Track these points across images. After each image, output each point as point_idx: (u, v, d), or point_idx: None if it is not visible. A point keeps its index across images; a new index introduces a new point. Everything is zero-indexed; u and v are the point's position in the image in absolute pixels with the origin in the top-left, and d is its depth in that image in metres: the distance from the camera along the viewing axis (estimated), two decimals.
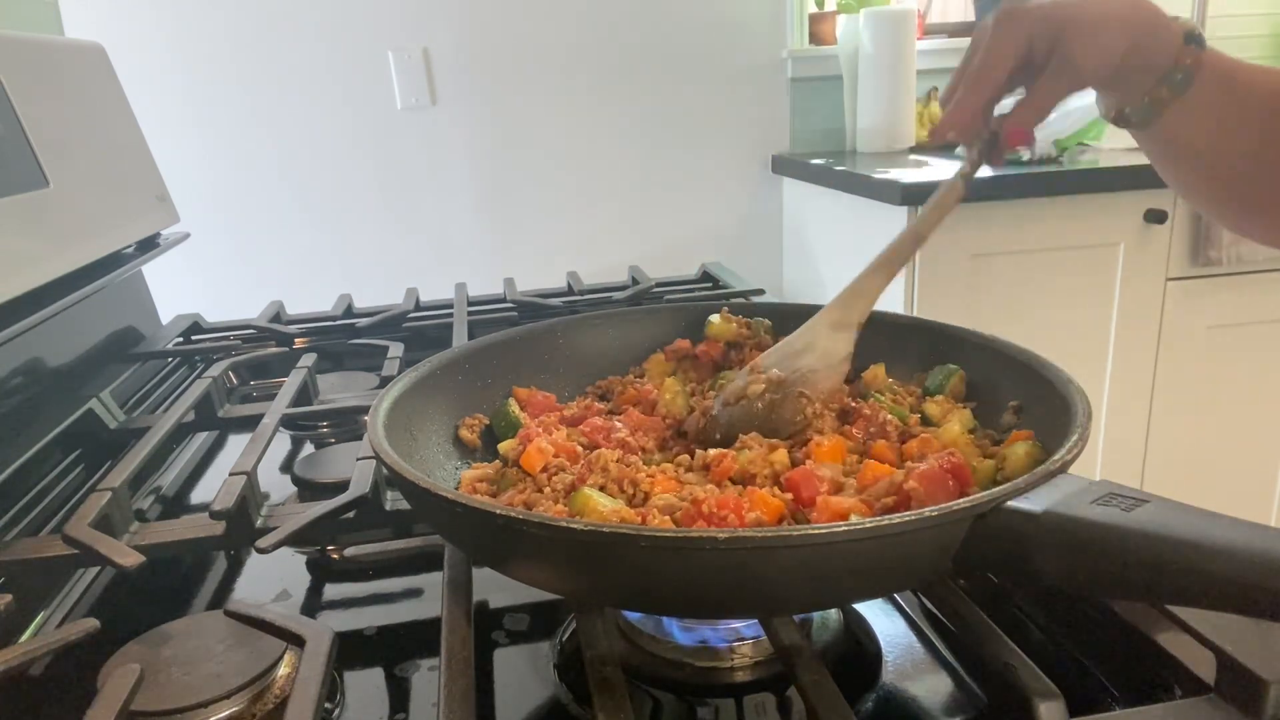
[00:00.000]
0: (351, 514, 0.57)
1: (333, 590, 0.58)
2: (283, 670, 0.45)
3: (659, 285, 1.16)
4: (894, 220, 1.56)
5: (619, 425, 0.56)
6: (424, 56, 1.91)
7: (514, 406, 0.60)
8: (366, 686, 0.48)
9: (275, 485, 0.72)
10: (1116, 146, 1.74)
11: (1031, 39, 0.55)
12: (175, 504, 0.73)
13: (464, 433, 0.59)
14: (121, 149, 0.99)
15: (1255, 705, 0.37)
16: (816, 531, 0.35)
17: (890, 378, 0.61)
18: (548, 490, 0.50)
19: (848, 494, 0.46)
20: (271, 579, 0.59)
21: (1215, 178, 0.63)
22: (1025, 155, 1.63)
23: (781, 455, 0.50)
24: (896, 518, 0.36)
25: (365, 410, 0.58)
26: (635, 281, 1.17)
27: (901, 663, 0.47)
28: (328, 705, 0.46)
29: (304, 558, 0.62)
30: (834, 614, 0.51)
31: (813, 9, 2.05)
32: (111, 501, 0.58)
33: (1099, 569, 0.34)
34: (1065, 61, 0.55)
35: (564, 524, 0.37)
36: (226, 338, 1.07)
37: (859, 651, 0.49)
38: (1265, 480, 1.80)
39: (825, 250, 1.95)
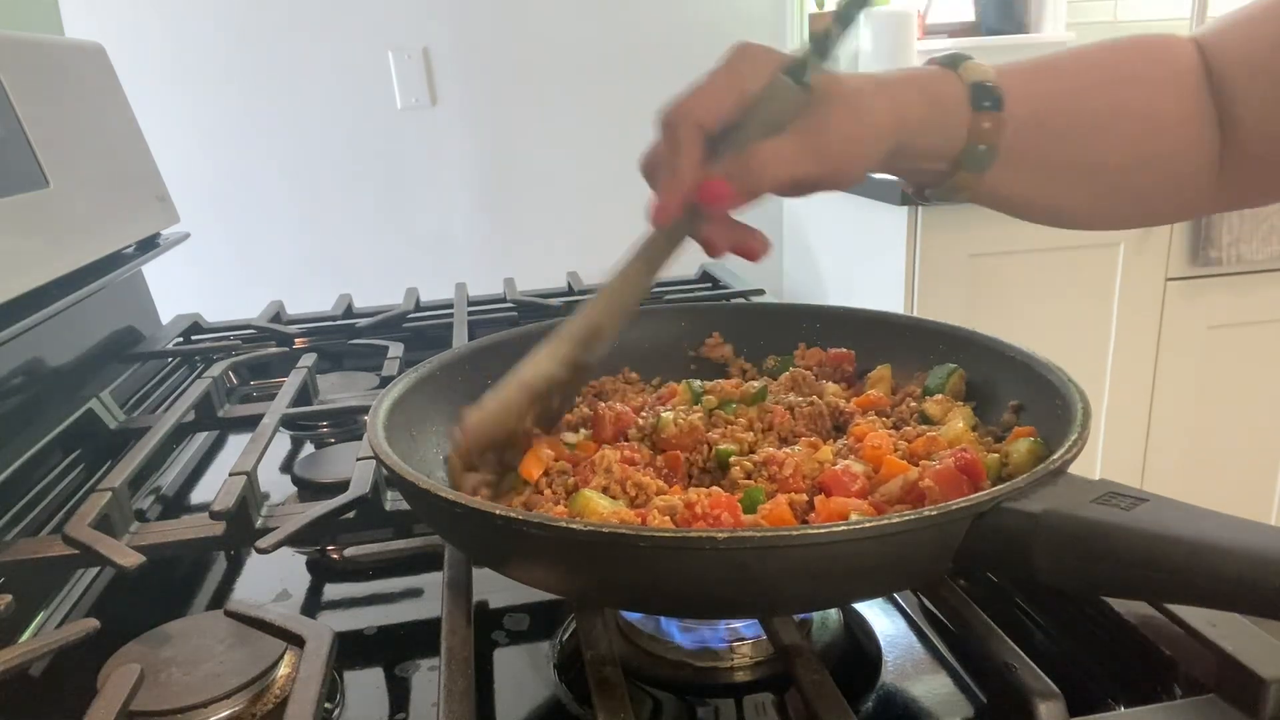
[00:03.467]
0: (351, 514, 0.57)
1: (333, 590, 0.58)
2: (283, 670, 0.45)
3: (659, 285, 1.16)
4: (894, 220, 1.56)
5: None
6: (424, 56, 1.91)
7: None
8: (366, 686, 0.48)
9: (275, 485, 0.72)
10: None
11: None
12: (175, 504, 0.73)
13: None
14: (121, 149, 0.99)
15: (1255, 705, 0.37)
16: (816, 531, 0.35)
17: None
18: (548, 493, 0.50)
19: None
20: (271, 579, 0.59)
21: (1058, 212, 0.55)
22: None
23: (826, 453, 0.50)
24: (896, 517, 0.36)
25: (365, 410, 0.58)
26: None
27: (901, 663, 0.47)
28: (328, 705, 0.46)
29: (304, 558, 0.62)
30: (834, 614, 0.51)
31: (813, 9, 2.05)
32: (111, 501, 0.58)
33: (1099, 569, 0.34)
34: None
35: (564, 524, 0.37)
36: (226, 338, 1.07)
37: (859, 651, 0.49)
38: (1265, 480, 1.80)
39: (825, 250, 1.95)
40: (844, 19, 0.44)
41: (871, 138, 0.45)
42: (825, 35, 0.45)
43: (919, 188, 0.52)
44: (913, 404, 0.58)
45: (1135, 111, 0.50)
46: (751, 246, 0.48)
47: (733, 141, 0.45)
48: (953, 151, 0.47)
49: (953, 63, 0.48)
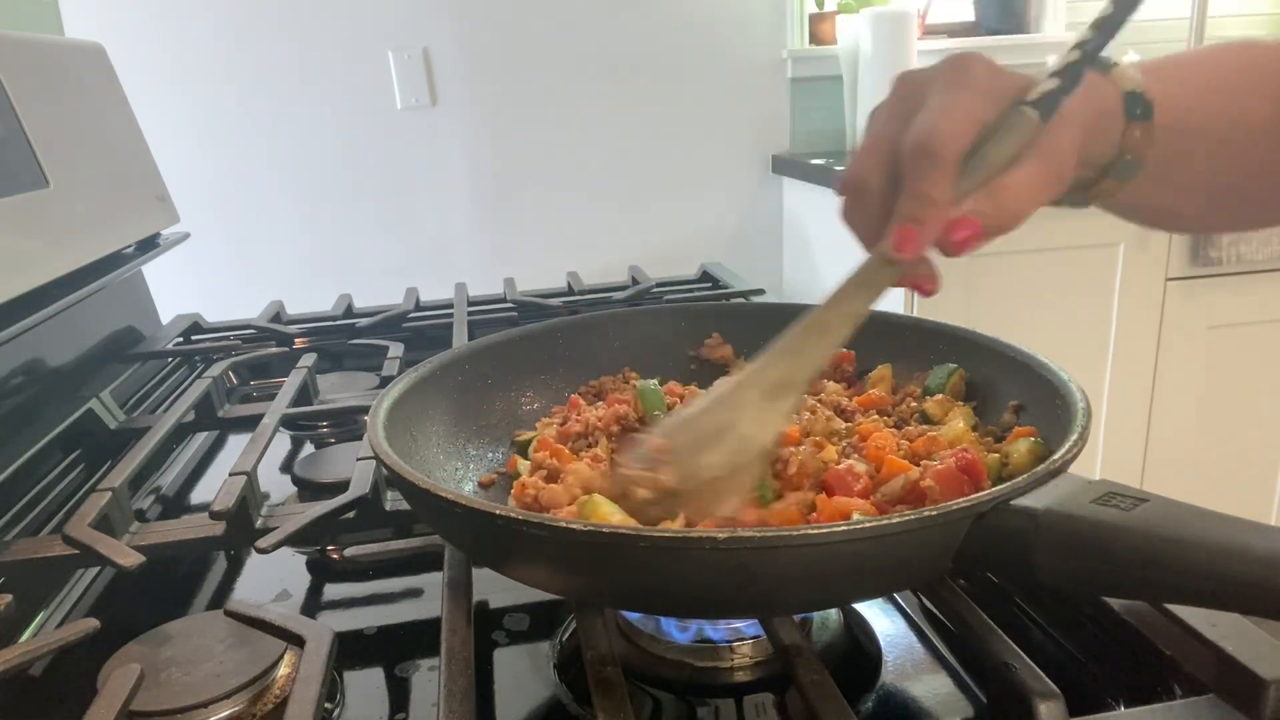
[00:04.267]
0: (351, 514, 0.57)
1: (333, 590, 0.58)
2: (283, 670, 0.45)
3: (659, 285, 1.16)
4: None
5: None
6: (424, 56, 1.91)
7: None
8: (366, 686, 0.48)
9: (275, 485, 0.72)
10: None
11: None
12: (175, 504, 0.73)
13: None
14: (121, 149, 0.99)
15: (1255, 705, 0.37)
16: (816, 531, 0.35)
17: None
18: (534, 478, 0.50)
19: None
20: (271, 579, 0.59)
21: (1192, 218, 0.53)
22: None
23: (831, 453, 0.50)
24: (896, 517, 0.36)
25: (365, 410, 0.58)
26: (635, 281, 1.16)
27: (901, 663, 0.47)
28: (328, 705, 0.45)
29: (304, 558, 0.62)
30: (834, 614, 0.51)
31: (813, 9, 2.05)
32: (111, 501, 0.58)
33: (1099, 568, 0.34)
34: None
35: (563, 524, 0.37)
36: (226, 338, 1.07)
37: (859, 651, 0.49)
38: (1265, 480, 1.80)
39: (825, 250, 1.95)
40: (1110, 26, 0.42)
41: (1090, 121, 0.43)
42: (1078, 62, 0.41)
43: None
44: (913, 404, 0.58)
45: (1253, 123, 0.48)
46: (930, 282, 0.45)
47: (970, 173, 0.40)
48: (1103, 159, 0.45)
49: (1104, 67, 0.45)
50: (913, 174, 0.40)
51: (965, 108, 0.40)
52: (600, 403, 0.63)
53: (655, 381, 0.61)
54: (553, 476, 0.52)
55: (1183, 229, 0.55)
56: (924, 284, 0.44)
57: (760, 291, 1.09)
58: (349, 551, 0.62)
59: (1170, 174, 0.48)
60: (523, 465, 0.56)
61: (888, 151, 0.42)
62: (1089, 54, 0.41)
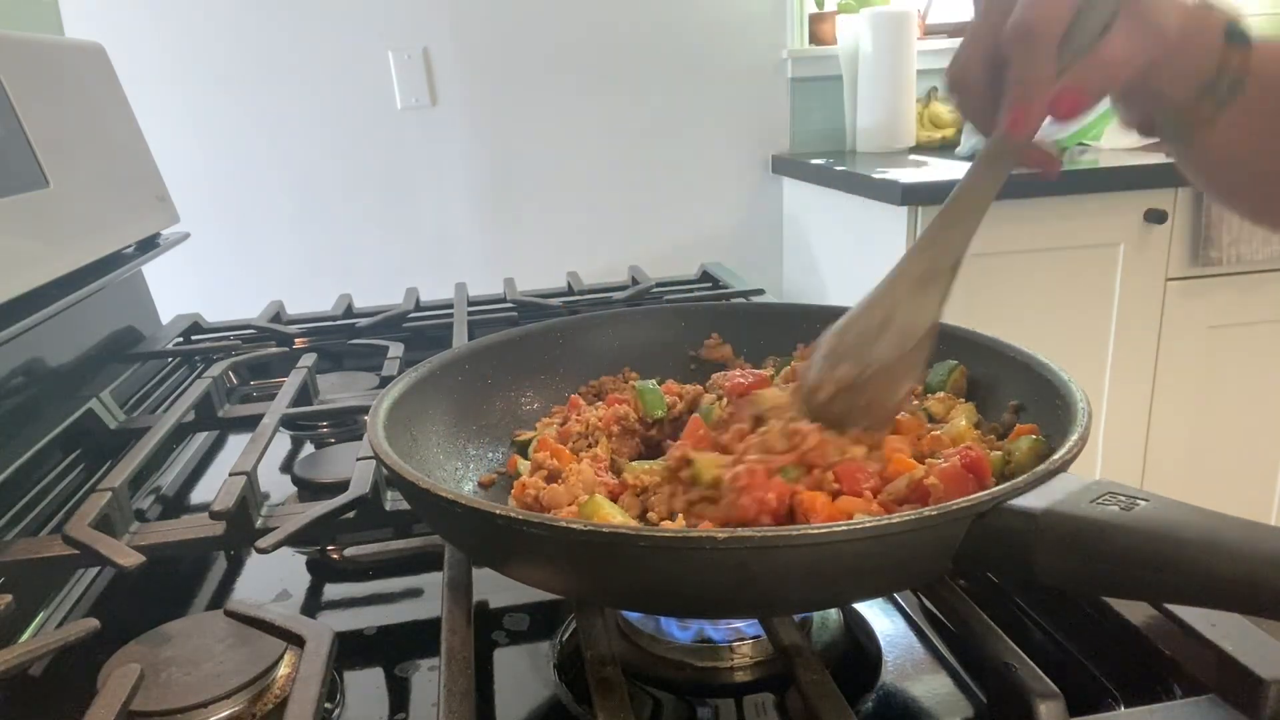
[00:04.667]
0: (351, 514, 0.57)
1: (333, 590, 0.58)
2: (283, 670, 0.45)
3: (659, 285, 1.16)
4: (894, 220, 1.56)
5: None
6: (424, 56, 1.91)
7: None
8: (366, 686, 0.48)
9: (275, 485, 0.72)
10: (1117, 146, 1.74)
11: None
12: (175, 504, 0.73)
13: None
14: (121, 149, 0.99)
15: (1255, 705, 0.37)
16: (816, 531, 0.35)
17: None
18: (534, 478, 0.50)
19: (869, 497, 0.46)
20: (271, 579, 0.59)
21: (1261, 184, 0.54)
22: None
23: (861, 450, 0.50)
24: (896, 517, 0.36)
25: (365, 410, 0.58)
26: (635, 281, 1.17)
27: (901, 663, 0.47)
28: (328, 705, 0.46)
29: (304, 558, 0.62)
30: (834, 614, 0.51)
31: (813, 9, 2.05)
32: (111, 501, 0.58)
33: (1099, 568, 0.34)
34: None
35: (563, 524, 0.37)
36: (226, 338, 1.07)
37: (859, 651, 0.49)
38: (1265, 480, 1.80)
39: (825, 250, 1.95)
40: None
41: (1187, 31, 0.46)
42: None
43: (1144, 119, 0.52)
44: (915, 402, 0.58)
45: None
46: (1054, 163, 0.48)
47: (1068, 50, 0.44)
48: (1204, 77, 0.47)
49: (1206, 5, 0.48)
50: (1017, 58, 0.44)
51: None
52: (600, 403, 0.63)
53: (654, 381, 0.61)
54: (553, 477, 0.52)
55: (1250, 195, 0.56)
56: (1048, 165, 0.48)
57: (760, 291, 1.09)
58: (349, 551, 0.62)
59: (1262, 122, 0.49)
60: (523, 465, 0.56)
61: (988, 43, 0.45)
62: None
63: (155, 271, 1.08)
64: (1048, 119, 0.45)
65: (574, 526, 0.37)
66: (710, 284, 1.18)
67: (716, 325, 0.69)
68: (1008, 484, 0.37)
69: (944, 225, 0.48)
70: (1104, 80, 0.44)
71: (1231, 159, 0.52)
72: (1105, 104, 0.48)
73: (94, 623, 0.45)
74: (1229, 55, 0.47)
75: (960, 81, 0.47)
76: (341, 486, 0.59)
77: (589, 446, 0.56)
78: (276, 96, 1.89)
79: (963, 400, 0.56)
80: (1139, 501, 0.35)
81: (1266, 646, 0.38)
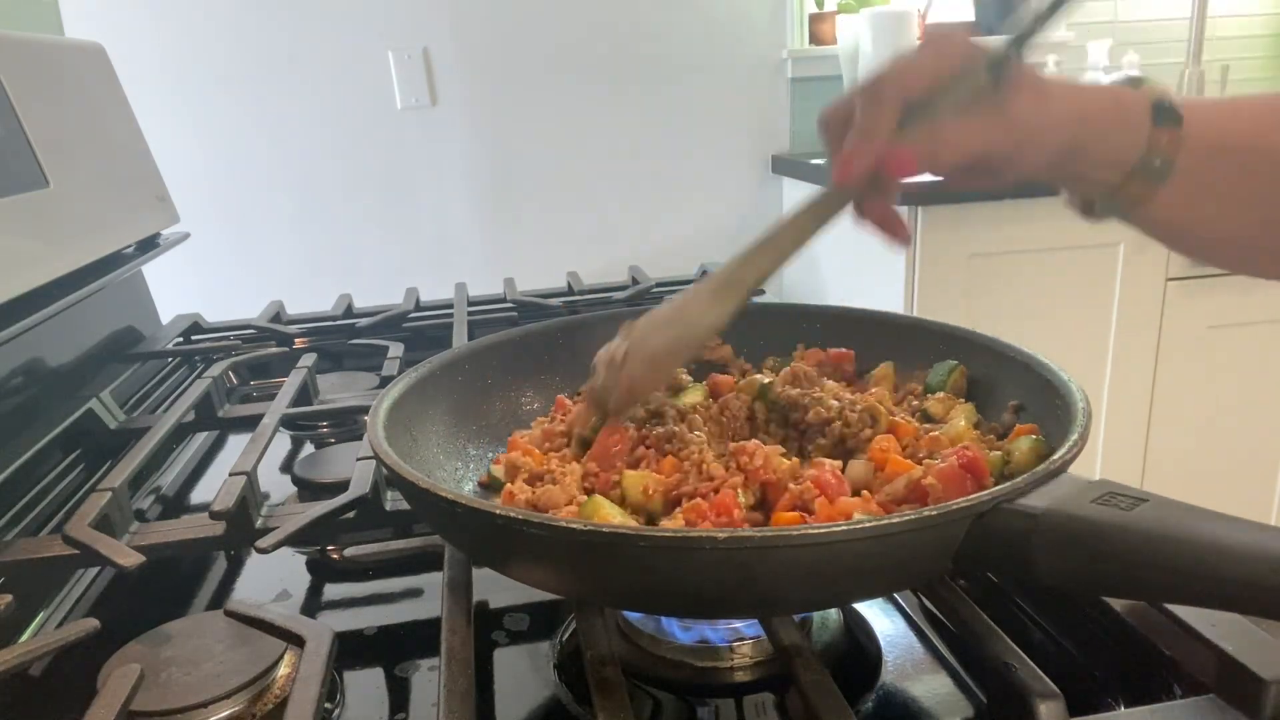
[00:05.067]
0: (351, 514, 0.57)
1: (333, 590, 0.58)
2: (283, 670, 0.45)
3: (659, 285, 1.16)
4: None
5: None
6: (424, 56, 1.91)
7: None
8: (366, 686, 0.48)
9: (275, 485, 0.72)
10: None
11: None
12: (175, 504, 0.73)
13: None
14: (121, 149, 0.99)
15: (1255, 705, 0.37)
16: (816, 531, 0.35)
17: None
18: (515, 485, 0.50)
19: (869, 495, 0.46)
20: (271, 579, 0.59)
21: (1224, 246, 0.53)
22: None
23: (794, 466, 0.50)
24: (896, 517, 0.36)
25: (365, 410, 0.58)
26: (635, 281, 1.16)
27: (901, 663, 0.47)
28: (328, 705, 0.45)
29: (304, 558, 0.62)
30: (834, 614, 0.51)
31: (813, 9, 2.05)
32: (111, 501, 0.58)
33: (1099, 568, 0.34)
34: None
35: (563, 524, 0.37)
36: (226, 338, 1.07)
37: (859, 651, 0.49)
38: (1265, 480, 1.80)
39: (825, 250, 1.95)
40: (1053, 6, 0.46)
41: (1053, 123, 0.47)
42: (1027, 31, 0.47)
43: (1087, 203, 0.53)
44: (914, 402, 0.58)
45: None
46: (898, 229, 0.51)
47: (920, 118, 0.46)
48: (1128, 162, 0.48)
49: (1134, 83, 0.49)
50: (860, 110, 0.47)
51: (920, 62, 0.46)
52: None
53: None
54: (535, 478, 0.52)
55: (1236, 265, 0.55)
56: (894, 231, 0.50)
57: (760, 291, 1.09)
58: (349, 551, 0.61)
59: (1203, 192, 0.49)
60: (497, 471, 0.55)
61: (858, 88, 0.48)
62: (1040, 16, 0.46)
63: (155, 271, 1.08)
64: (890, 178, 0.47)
65: (574, 526, 0.37)
66: None
67: None
68: (1008, 484, 0.38)
69: (760, 248, 0.51)
70: (935, 152, 0.46)
71: (1184, 228, 0.52)
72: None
73: (94, 623, 0.45)
74: (1157, 136, 0.47)
75: (825, 123, 0.50)
76: (341, 486, 0.59)
77: (567, 445, 0.56)
78: (277, 96, 1.89)
79: (962, 400, 0.56)
80: (1139, 501, 0.35)
81: (1266, 646, 0.38)
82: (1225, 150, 0.49)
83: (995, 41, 0.47)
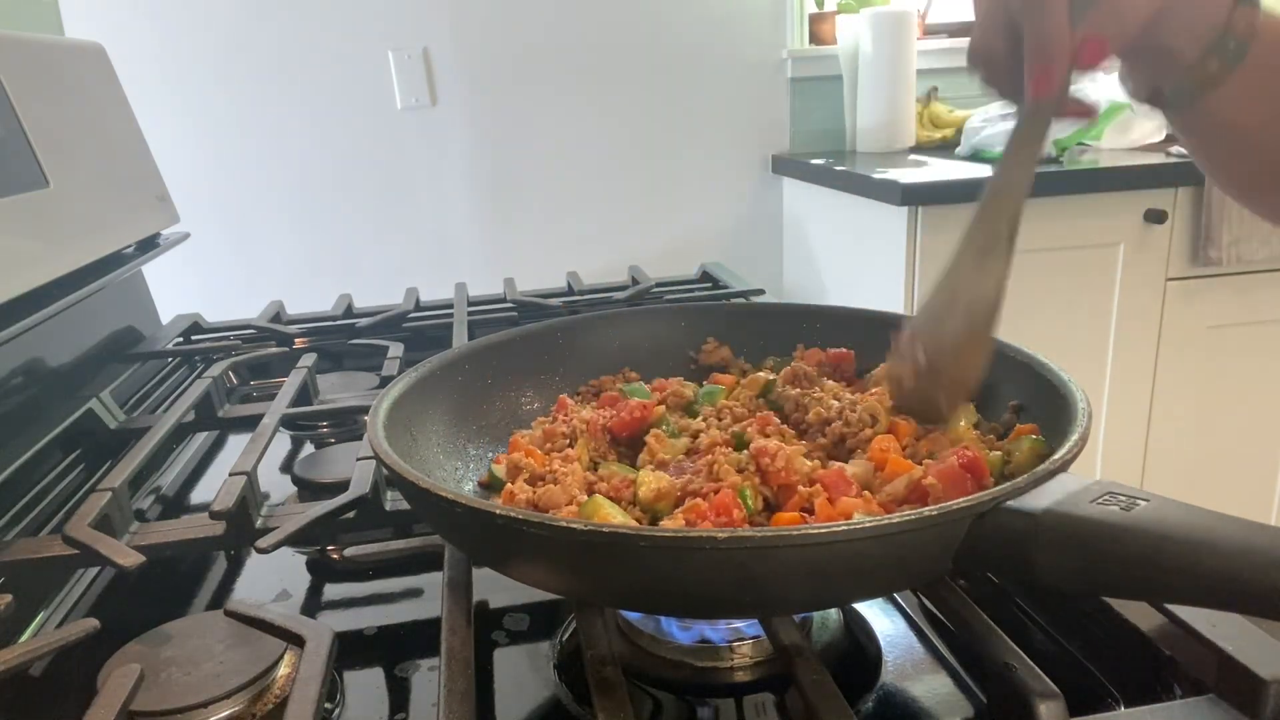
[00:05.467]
0: (351, 514, 0.57)
1: (333, 590, 0.58)
2: (283, 670, 0.45)
3: (659, 285, 1.16)
4: (894, 220, 1.56)
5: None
6: (424, 56, 1.91)
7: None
8: (366, 686, 0.48)
9: (275, 485, 0.72)
10: (1116, 146, 1.74)
11: None
12: (175, 504, 0.73)
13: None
14: (121, 149, 0.99)
15: (1255, 705, 0.37)
16: (816, 531, 0.35)
17: None
18: (515, 485, 0.50)
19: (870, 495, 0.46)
20: (271, 579, 0.59)
21: (1266, 162, 0.54)
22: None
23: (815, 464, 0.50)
24: (896, 517, 0.36)
25: (365, 410, 0.58)
26: (635, 281, 1.17)
27: (901, 663, 0.47)
28: (328, 705, 0.45)
29: (304, 558, 0.62)
30: (834, 614, 0.51)
31: (813, 9, 2.05)
32: (111, 501, 0.58)
33: (1099, 568, 0.34)
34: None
35: (563, 524, 0.37)
36: (226, 338, 1.07)
37: (859, 651, 0.49)
38: (1265, 480, 1.80)
39: (825, 250, 1.95)
40: None
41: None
42: None
43: (1155, 89, 0.52)
44: None
45: None
46: (1089, 107, 0.49)
47: (1076, 3, 0.45)
48: (1207, 38, 0.48)
49: None
50: (1030, 21, 0.45)
51: None
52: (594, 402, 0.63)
53: (642, 384, 0.62)
54: (535, 478, 0.52)
55: (1262, 178, 0.55)
56: (1085, 114, 0.49)
57: (760, 291, 1.09)
58: (349, 551, 0.61)
59: (1268, 91, 0.49)
60: (498, 470, 0.55)
61: (1000, 15, 0.46)
62: None
63: (155, 271, 1.08)
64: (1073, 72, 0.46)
65: (575, 526, 0.37)
66: (710, 284, 1.18)
67: (716, 325, 0.69)
68: (1008, 484, 0.37)
69: (994, 194, 0.49)
70: (1119, 25, 0.45)
71: (1231, 126, 0.52)
72: (1106, 100, 0.49)
73: (94, 623, 0.45)
74: (1236, 15, 0.47)
75: (981, 56, 0.48)
76: (341, 486, 0.59)
77: (569, 445, 0.56)
78: (277, 96, 1.89)
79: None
80: (1139, 501, 0.35)
81: (1266, 646, 0.38)
82: None
83: None
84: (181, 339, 1.07)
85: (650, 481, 0.48)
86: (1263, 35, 0.47)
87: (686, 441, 0.54)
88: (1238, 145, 0.54)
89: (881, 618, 0.51)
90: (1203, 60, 0.48)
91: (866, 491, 0.46)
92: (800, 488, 0.47)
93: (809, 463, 0.49)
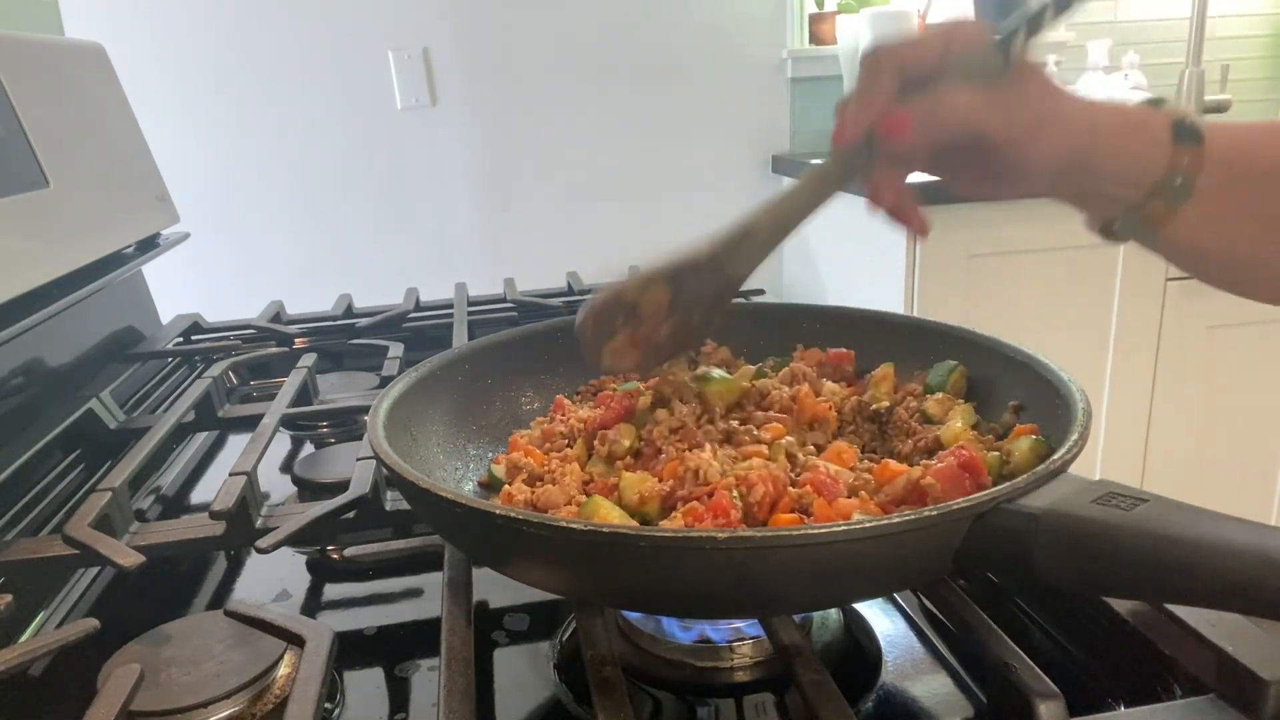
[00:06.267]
0: (351, 514, 0.57)
1: (333, 590, 0.58)
2: (283, 670, 0.45)
3: None
4: None
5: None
6: (424, 56, 1.91)
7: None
8: (366, 686, 0.48)
9: (275, 485, 0.72)
10: None
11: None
12: (175, 504, 0.73)
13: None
14: (121, 149, 0.99)
15: (1255, 705, 0.37)
16: (816, 531, 0.35)
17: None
18: (515, 485, 0.50)
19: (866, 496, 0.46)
20: (271, 579, 0.59)
21: (1237, 268, 0.52)
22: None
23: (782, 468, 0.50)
24: (896, 517, 0.36)
25: (365, 410, 0.58)
26: None
27: (901, 663, 0.47)
28: (328, 705, 0.46)
29: (304, 558, 0.62)
30: (834, 614, 0.51)
31: (813, 9, 2.05)
32: (111, 501, 0.58)
33: (1099, 568, 0.34)
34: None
35: (563, 524, 0.37)
36: (226, 338, 1.07)
37: (859, 651, 0.49)
38: (1265, 480, 1.80)
39: (825, 250, 1.95)
40: None
41: (1061, 118, 0.46)
42: (1041, 10, 0.46)
43: (1105, 223, 0.51)
44: (914, 403, 0.58)
45: None
46: (912, 214, 0.49)
47: (926, 91, 0.46)
48: (1147, 180, 0.47)
49: (1154, 103, 0.49)
50: (860, 76, 0.47)
51: (928, 36, 0.46)
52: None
53: (639, 384, 0.61)
54: (534, 478, 0.52)
55: (1238, 281, 0.54)
56: (908, 219, 0.50)
57: (760, 291, 1.09)
58: (349, 551, 0.62)
59: (1224, 214, 0.48)
60: (497, 471, 0.55)
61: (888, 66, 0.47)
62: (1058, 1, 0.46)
63: (155, 271, 1.08)
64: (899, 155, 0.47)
65: (574, 526, 0.37)
66: None
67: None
68: (1008, 484, 0.38)
69: (762, 213, 0.52)
70: (933, 118, 0.45)
71: (1200, 249, 0.50)
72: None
73: (94, 623, 0.45)
74: (1178, 155, 0.46)
75: (840, 108, 0.49)
76: (341, 486, 0.59)
77: (568, 445, 0.56)
78: (277, 96, 1.89)
79: (961, 401, 0.56)
80: (1139, 502, 0.35)
81: (1266, 646, 0.38)
82: (1247, 173, 0.48)
83: (1010, 21, 0.46)
84: (181, 339, 1.07)
85: (634, 485, 0.48)
86: (1211, 166, 0.46)
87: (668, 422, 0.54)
88: (1209, 264, 0.52)
89: (881, 618, 0.51)
90: (1146, 202, 0.47)
91: (863, 492, 0.46)
92: (789, 489, 0.47)
93: (779, 472, 0.48)
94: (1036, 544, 0.35)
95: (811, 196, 0.51)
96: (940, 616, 0.49)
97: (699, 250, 0.51)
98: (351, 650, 0.51)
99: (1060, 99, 0.47)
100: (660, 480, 0.48)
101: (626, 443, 0.52)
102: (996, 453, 0.49)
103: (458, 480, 0.56)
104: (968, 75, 0.46)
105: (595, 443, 0.54)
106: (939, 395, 0.57)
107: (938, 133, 0.46)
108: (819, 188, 0.50)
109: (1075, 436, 0.42)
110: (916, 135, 0.46)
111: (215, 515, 0.56)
